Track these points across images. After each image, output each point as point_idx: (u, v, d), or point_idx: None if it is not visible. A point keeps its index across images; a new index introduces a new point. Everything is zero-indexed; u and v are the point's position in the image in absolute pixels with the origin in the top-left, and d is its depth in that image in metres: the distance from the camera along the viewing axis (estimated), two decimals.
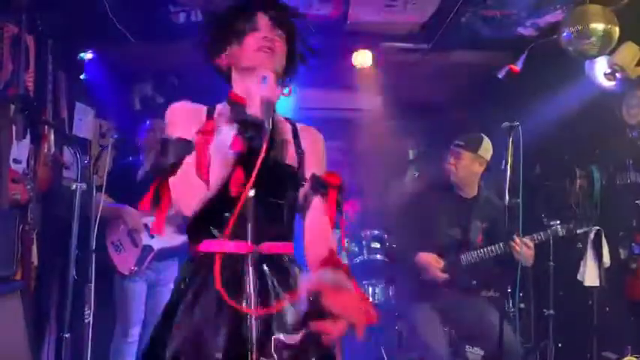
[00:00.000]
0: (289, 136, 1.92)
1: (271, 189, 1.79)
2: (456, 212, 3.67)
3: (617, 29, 3.55)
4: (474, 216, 3.67)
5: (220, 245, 1.74)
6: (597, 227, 4.09)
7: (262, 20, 1.85)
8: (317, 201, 1.87)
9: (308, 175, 1.90)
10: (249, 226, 1.74)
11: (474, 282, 3.67)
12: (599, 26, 3.55)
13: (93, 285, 3.39)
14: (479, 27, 4.36)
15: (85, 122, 4.70)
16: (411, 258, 3.63)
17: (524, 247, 3.40)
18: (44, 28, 3.90)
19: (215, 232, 1.75)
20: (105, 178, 3.87)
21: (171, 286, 3.85)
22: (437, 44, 4.67)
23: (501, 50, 4.71)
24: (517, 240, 3.39)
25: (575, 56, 3.76)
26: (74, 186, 3.23)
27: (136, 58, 4.90)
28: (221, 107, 1.89)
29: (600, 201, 4.31)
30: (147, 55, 4.88)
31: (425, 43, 4.75)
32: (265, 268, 1.75)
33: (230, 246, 1.74)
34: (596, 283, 4.05)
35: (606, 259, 4.02)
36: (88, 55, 4.60)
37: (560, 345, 4.19)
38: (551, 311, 3.77)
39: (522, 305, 4.45)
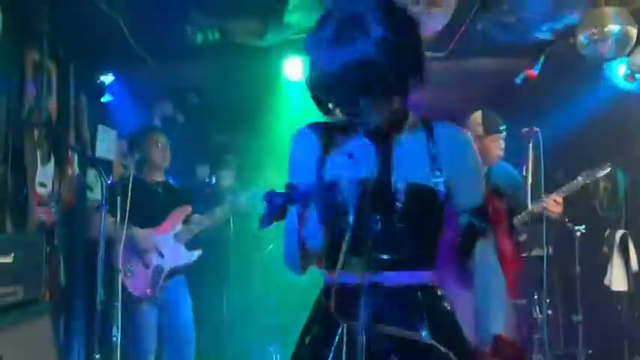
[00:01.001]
0: (419, 148, 1.59)
1: (390, 215, 1.54)
2: None
3: (634, 30, 3.52)
4: (494, 186, 3.67)
5: (335, 277, 1.56)
6: (624, 230, 4.04)
7: None
8: (481, 246, 1.60)
9: (456, 199, 1.60)
10: (364, 253, 1.51)
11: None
12: (615, 28, 3.52)
13: (120, 305, 3.43)
14: (495, 33, 4.34)
15: (108, 143, 4.76)
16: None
17: (553, 204, 3.51)
18: (65, 53, 3.98)
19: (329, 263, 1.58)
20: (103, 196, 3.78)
21: (182, 303, 3.88)
22: (453, 52, 4.66)
23: (518, 56, 4.67)
24: (546, 199, 3.49)
25: (593, 59, 3.73)
26: (98, 207, 3.30)
27: (156, 79, 4.97)
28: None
29: (625, 204, 4.25)
30: (166, 75, 4.95)
31: (441, 52, 4.74)
32: (380, 300, 1.51)
33: (342, 277, 1.53)
34: (624, 287, 3.99)
35: (634, 263, 3.96)
36: (108, 78, 4.68)
37: (590, 352, 4.12)
38: (580, 317, 3.72)
39: (550, 312, 4.38)
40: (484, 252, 1.61)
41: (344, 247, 1.49)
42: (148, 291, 3.68)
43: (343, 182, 1.52)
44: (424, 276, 1.59)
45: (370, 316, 1.47)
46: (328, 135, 1.64)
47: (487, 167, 3.73)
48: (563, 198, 3.58)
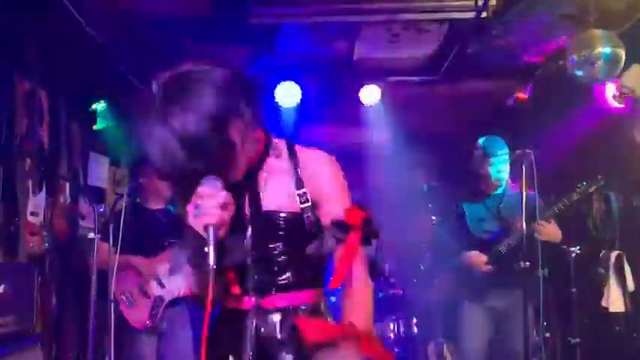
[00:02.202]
0: (285, 175, 1.71)
1: (267, 242, 1.68)
2: (490, 207, 3.82)
3: (622, 52, 3.56)
4: (508, 206, 3.77)
5: (227, 301, 1.72)
6: (618, 251, 4.04)
7: None
8: (339, 253, 1.69)
9: (325, 216, 1.70)
10: (249, 279, 1.67)
11: (527, 263, 3.65)
12: (605, 50, 3.55)
13: (112, 335, 3.37)
14: (485, 56, 4.39)
15: (100, 171, 4.74)
16: (457, 261, 3.78)
17: (543, 228, 3.51)
18: (57, 82, 3.98)
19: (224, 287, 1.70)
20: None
21: (182, 332, 3.82)
22: (444, 76, 4.71)
23: (509, 78, 4.72)
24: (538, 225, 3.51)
25: (582, 81, 3.77)
26: (91, 235, 3.27)
27: (148, 105, 4.97)
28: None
29: (619, 224, 4.25)
30: None
31: (432, 76, 4.78)
32: (268, 322, 1.67)
33: (233, 302, 1.70)
34: (622, 308, 3.97)
35: (630, 283, 3.95)
36: (100, 105, 4.67)
37: None
38: (578, 339, 3.70)
39: (547, 334, 4.35)
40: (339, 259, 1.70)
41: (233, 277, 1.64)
42: (148, 322, 3.62)
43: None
44: (307, 296, 1.70)
45: (256, 337, 1.64)
46: None
47: (500, 194, 3.80)
48: (559, 219, 3.60)
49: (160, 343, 3.73)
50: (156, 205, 3.90)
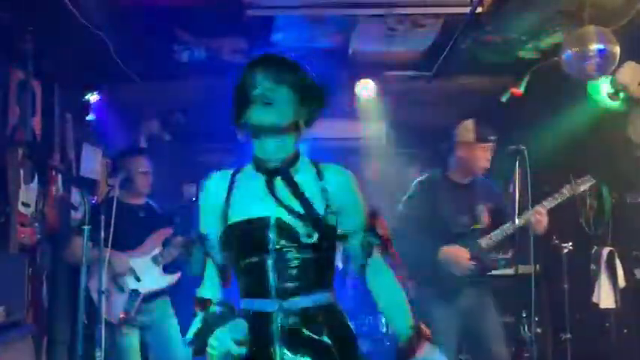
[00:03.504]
0: (311, 183, 1.81)
1: (291, 244, 1.73)
2: (460, 198, 3.58)
3: (617, 49, 3.56)
4: (476, 199, 3.59)
5: (250, 303, 1.78)
6: (610, 248, 4.05)
7: (260, 76, 1.79)
8: (376, 259, 1.86)
9: (345, 226, 1.83)
10: (271, 281, 1.73)
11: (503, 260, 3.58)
12: (599, 47, 3.55)
13: (103, 326, 3.37)
14: (480, 52, 4.39)
15: (93, 163, 4.73)
16: (432, 259, 3.46)
17: (537, 216, 3.42)
18: (50, 72, 3.96)
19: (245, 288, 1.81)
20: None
21: (169, 323, 3.82)
22: (439, 71, 4.70)
23: (503, 74, 4.72)
24: (530, 213, 3.43)
25: (577, 78, 3.77)
26: (82, 227, 3.25)
27: (142, 98, 4.95)
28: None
29: (612, 221, 4.27)
30: (152, 93, 4.94)
31: (427, 71, 4.78)
32: (292, 325, 1.72)
33: (257, 304, 1.76)
34: (613, 305, 4.00)
35: (621, 280, 3.97)
36: (93, 97, 4.65)
37: None
38: (569, 335, 3.72)
39: (539, 330, 4.37)
40: (378, 262, 1.86)
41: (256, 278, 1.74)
42: (121, 316, 3.60)
43: (248, 221, 1.76)
44: (326, 297, 1.78)
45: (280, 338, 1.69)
46: (233, 179, 1.89)
47: (472, 178, 3.69)
48: (549, 213, 3.51)
49: (145, 336, 3.72)
50: (135, 200, 3.88)
